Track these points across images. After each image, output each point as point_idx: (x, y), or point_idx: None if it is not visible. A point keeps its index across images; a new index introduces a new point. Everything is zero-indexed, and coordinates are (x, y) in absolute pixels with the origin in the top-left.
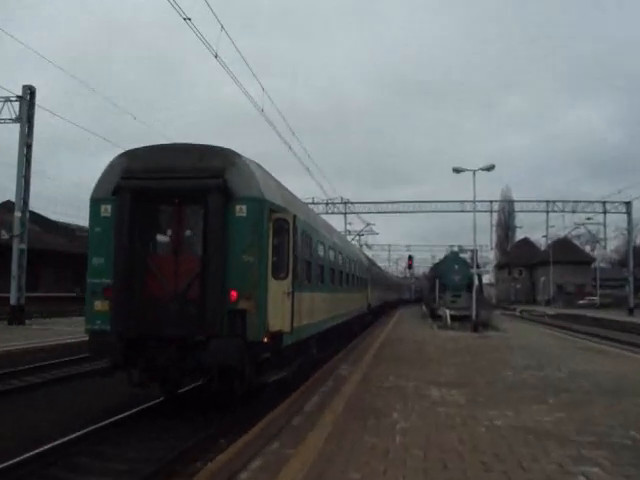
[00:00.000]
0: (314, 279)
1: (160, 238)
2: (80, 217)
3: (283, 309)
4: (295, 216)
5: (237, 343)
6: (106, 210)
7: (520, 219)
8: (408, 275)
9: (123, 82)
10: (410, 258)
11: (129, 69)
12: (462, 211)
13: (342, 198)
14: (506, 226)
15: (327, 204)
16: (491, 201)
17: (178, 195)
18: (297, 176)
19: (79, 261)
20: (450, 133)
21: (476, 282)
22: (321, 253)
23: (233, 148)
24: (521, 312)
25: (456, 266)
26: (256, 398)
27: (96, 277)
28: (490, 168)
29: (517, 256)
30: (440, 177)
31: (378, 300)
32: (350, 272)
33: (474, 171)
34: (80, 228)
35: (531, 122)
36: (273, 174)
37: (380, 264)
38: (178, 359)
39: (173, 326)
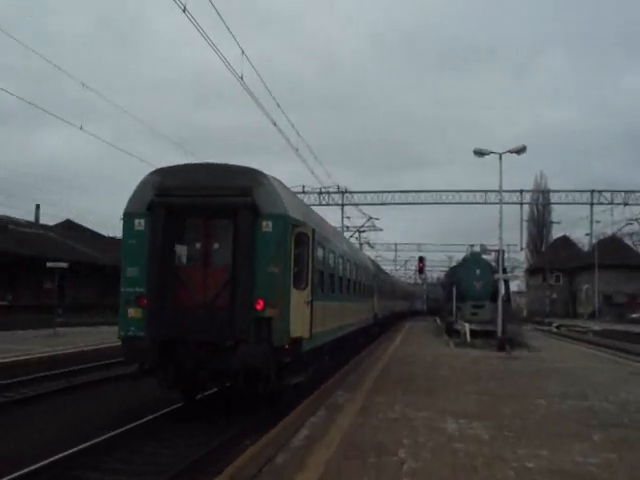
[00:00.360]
0: (326, 288)
1: (190, 250)
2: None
3: (303, 317)
4: (314, 230)
5: (264, 348)
6: (140, 224)
7: (558, 213)
8: (419, 281)
9: (64, 38)
10: (421, 260)
11: (73, 23)
12: (486, 203)
13: (339, 186)
14: (540, 222)
15: (320, 193)
16: (521, 191)
17: (208, 211)
18: (283, 158)
19: (13, 263)
20: (473, 108)
21: (502, 290)
22: (332, 262)
23: (205, 122)
24: (558, 327)
25: (478, 270)
26: (278, 401)
27: (130, 286)
28: (521, 150)
29: (553, 258)
30: (459, 162)
31: (385, 310)
32: (356, 279)
33: (501, 154)
34: (12, 220)
35: (572, 92)
36: (254, 153)
37: (385, 267)
38: (207, 362)
39: (202, 332)
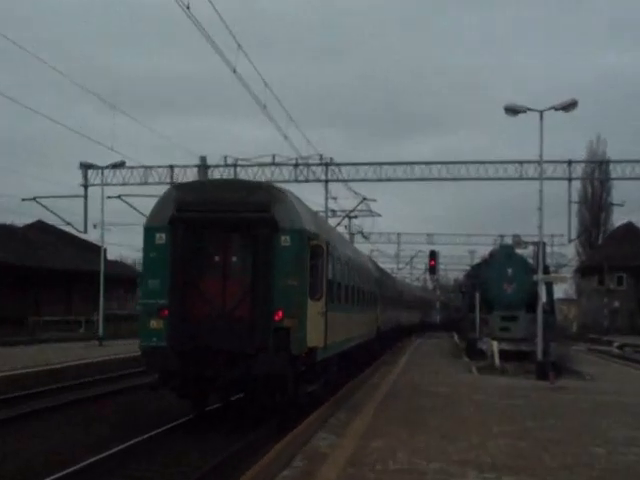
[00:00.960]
0: (336, 299)
1: (210, 264)
2: None
3: (318, 327)
4: (328, 242)
5: (283, 356)
6: (161, 238)
7: (620, 192)
8: (430, 285)
9: None
10: (433, 256)
11: None
12: (521, 178)
13: (321, 157)
14: (596, 204)
15: (296, 165)
16: (570, 162)
17: (227, 226)
18: (246, 116)
19: None
20: (501, 51)
21: (543, 296)
22: (340, 272)
23: (146, 66)
24: (621, 348)
25: (509, 270)
26: (294, 408)
27: (151, 298)
28: (569, 106)
29: (614, 253)
30: (484, 124)
31: (390, 323)
32: (359, 287)
33: (541, 111)
34: None
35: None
36: (208, 112)
37: (384, 265)
38: (226, 371)
39: (222, 341)
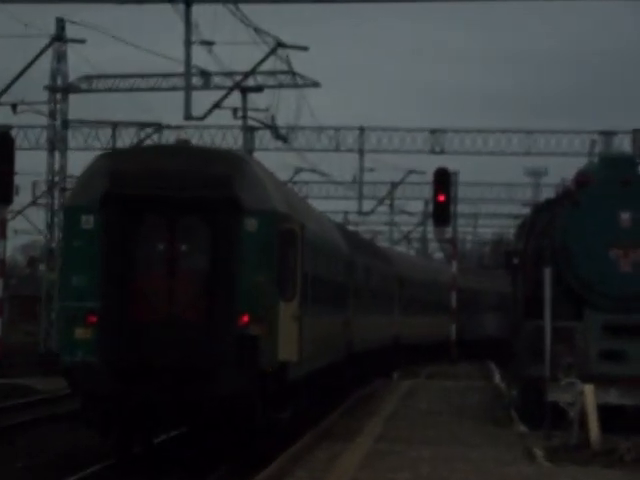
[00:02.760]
0: (310, 299)
1: (152, 254)
2: None
3: (292, 335)
4: (303, 225)
5: (249, 372)
6: (88, 221)
7: None
8: (439, 253)
9: None
10: (442, 180)
11: None
12: None
13: None
14: None
15: None
16: None
17: (176, 206)
18: None
19: None
20: None
21: None
22: (313, 262)
23: None
24: None
25: (627, 214)
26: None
27: (75, 300)
28: None
29: None
30: None
31: (369, 335)
32: (328, 278)
33: None
34: None
35: None
36: None
37: (319, 202)
38: (174, 392)
39: (170, 354)
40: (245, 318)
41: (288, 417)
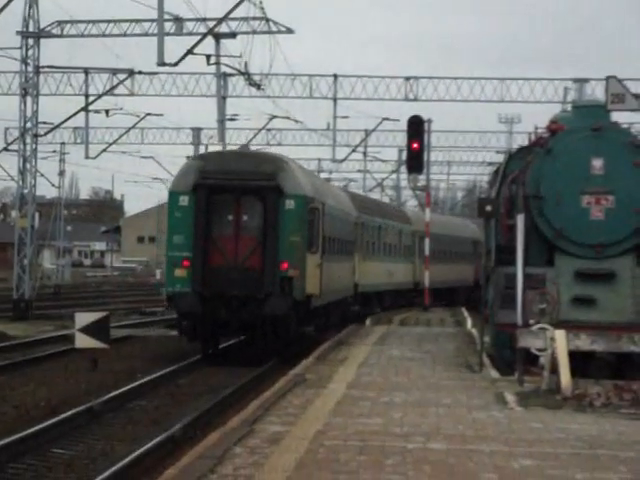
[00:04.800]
0: (327, 252)
1: (225, 223)
2: None
3: (315, 277)
4: (324, 204)
5: (288, 300)
6: (184, 200)
7: None
8: (413, 201)
9: None
10: (415, 129)
11: None
12: None
13: None
14: None
15: None
16: None
17: (240, 191)
18: None
19: None
20: None
21: None
22: (330, 224)
23: None
24: None
25: (598, 160)
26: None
27: (176, 251)
28: None
29: None
30: None
31: (375, 278)
32: (339, 237)
33: None
34: None
35: None
36: None
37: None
38: (239, 312)
39: (236, 287)
40: (285, 265)
41: (312, 330)
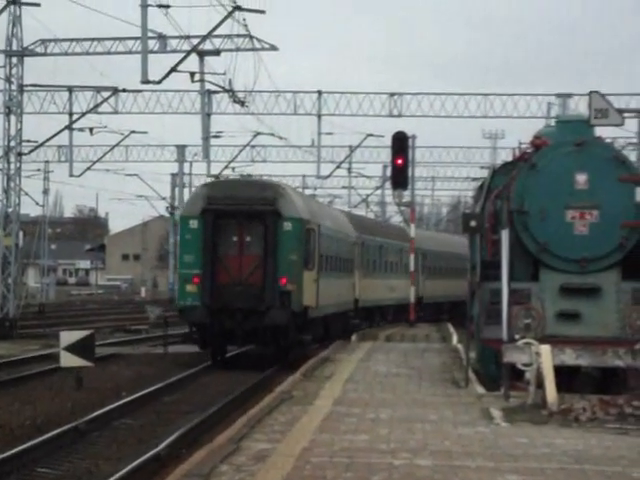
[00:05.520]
0: (324, 269)
1: (230, 243)
2: None
3: (312, 290)
4: (319, 225)
5: (287, 312)
6: (193, 224)
7: None
8: (399, 216)
9: None
10: (400, 144)
11: None
12: None
13: None
14: None
15: None
16: None
17: (244, 215)
18: None
19: None
20: None
21: None
22: (326, 246)
23: None
24: None
25: (582, 174)
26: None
27: (187, 269)
28: None
29: None
30: None
31: (375, 294)
32: (338, 255)
33: None
34: None
35: None
36: None
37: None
38: (243, 323)
39: (241, 301)
40: (284, 280)
41: (310, 338)
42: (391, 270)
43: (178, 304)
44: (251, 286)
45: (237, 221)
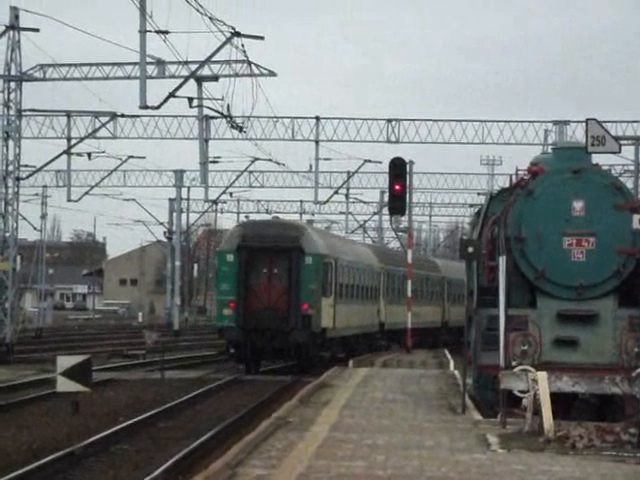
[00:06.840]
0: (342, 295)
1: (261, 274)
2: None
3: (329, 314)
4: (337, 258)
5: (307, 332)
6: (230, 258)
7: None
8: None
9: None
10: (398, 170)
11: None
12: None
13: None
14: None
15: None
16: None
17: (272, 251)
18: None
19: None
20: None
21: None
22: (345, 275)
23: None
24: None
25: (578, 202)
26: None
27: (224, 295)
28: None
29: None
30: None
31: (399, 321)
32: (361, 284)
33: None
34: None
35: None
36: None
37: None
38: (271, 342)
39: (269, 323)
40: (305, 306)
41: (329, 355)
42: (416, 297)
43: (217, 325)
44: (278, 310)
45: (266, 256)
